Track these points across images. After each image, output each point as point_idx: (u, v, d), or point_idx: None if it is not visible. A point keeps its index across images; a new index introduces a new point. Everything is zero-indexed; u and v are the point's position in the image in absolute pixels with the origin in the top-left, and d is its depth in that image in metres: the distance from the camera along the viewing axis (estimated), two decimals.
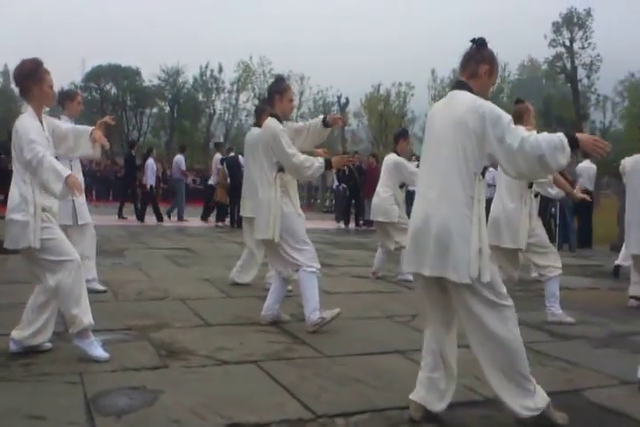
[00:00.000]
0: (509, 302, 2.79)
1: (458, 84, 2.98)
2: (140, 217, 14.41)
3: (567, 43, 40.09)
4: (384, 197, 6.94)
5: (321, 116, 4.90)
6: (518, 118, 4.96)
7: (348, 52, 67.75)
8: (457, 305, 2.84)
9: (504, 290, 2.80)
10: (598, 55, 41.01)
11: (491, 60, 2.97)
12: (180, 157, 15.66)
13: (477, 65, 2.94)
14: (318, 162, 4.53)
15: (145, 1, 70.61)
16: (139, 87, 44.54)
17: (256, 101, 43.79)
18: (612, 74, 41.86)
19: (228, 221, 14.26)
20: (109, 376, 3.35)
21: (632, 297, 6.04)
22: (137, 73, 44.64)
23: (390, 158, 7.05)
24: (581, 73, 41.28)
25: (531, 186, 4.90)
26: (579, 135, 2.76)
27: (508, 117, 2.74)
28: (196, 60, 48.48)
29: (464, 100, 2.83)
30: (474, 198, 2.74)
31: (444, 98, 3.02)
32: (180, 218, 15.13)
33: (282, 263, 4.64)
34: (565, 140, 2.69)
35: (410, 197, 5.83)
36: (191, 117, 44.83)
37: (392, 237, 6.96)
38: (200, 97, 45.08)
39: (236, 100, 45.10)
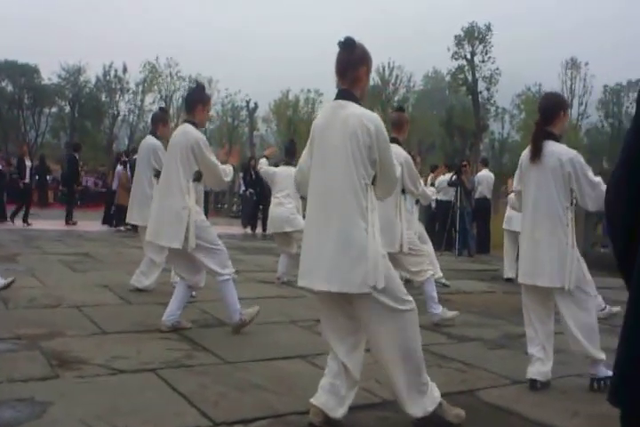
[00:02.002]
0: (410, 305, 2.81)
1: (343, 94, 2.91)
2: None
3: (468, 56, 41.85)
4: (287, 208, 6.95)
5: None
6: (399, 127, 5.15)
7: (258, 57, 67.68)
8: (358, 312, 2.85)
9: (404, 295, 2.81)
10: (497, 69, 43.03)
11: (367, 58, 2.93)
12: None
13: (356, 70, 2.89)
14: (229, 168, 4.66)
15: None
16: (37, 85, 42.56)
17: (162, 103, 42.93)
18: (509, 87, 44.03)
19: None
20: None
21: None
22: (35, 70, 42.66)
23: (288, 170, 7.12)
24: (482, 85, 43.15)
25: (403, 192, 5.04)
26: None
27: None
28: (98, 58, 46.87)
29: (355, 112, 2.82)
30: (367, 209, 2.77)
31: (329, 108, 2.97)
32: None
33: (187, 271, 4.57)
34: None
35: None
36: (93, 118, 43.29)
37: (294, 243, 7.00)
38: (103, 97, 43.65)
39: (142, 101, 44.06)
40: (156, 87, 44.02)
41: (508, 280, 8.39)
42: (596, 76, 44.74)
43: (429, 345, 3.47)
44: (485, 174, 12.23)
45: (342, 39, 2.91)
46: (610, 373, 3.60)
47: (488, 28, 42.36)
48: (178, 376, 3.49)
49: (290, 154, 7.56)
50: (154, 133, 6.27)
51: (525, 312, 3.85)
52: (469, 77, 42.10)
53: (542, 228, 3.66)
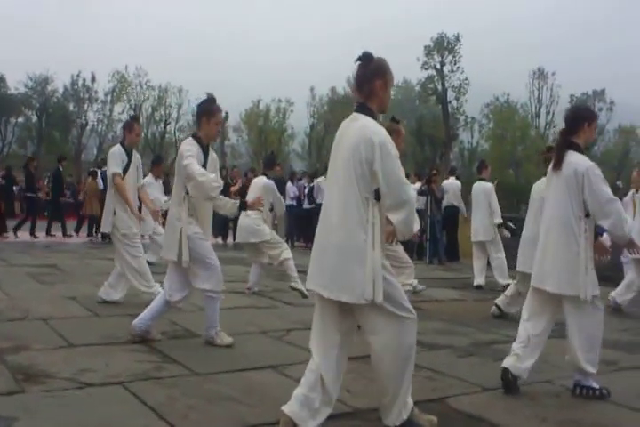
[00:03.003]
0: (411, 314, 2.87)
1: (358, 108, 2.98)
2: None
3: (438, 66, 42.36)
4: (253, 218, 6.93)
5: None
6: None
7: (228, 67, 67.61)
8: (359, 319, 2.89)
9: (406, 302, 2.88)
10: (466, 79, 43.61)
11: (382, 72, 2.97)
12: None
13: (371, 83, 2.94)
14: (214, 184, 4.31)
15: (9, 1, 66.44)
16: (3, 95, 41.82)
17: (132, 113, 42.57)
18: (478, 97, 44.61)
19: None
20: None
21: (496, 305, 6.39)
22: (1, 79, 41.96)
23: (261, 181, 7.12)
24: (451, 95, 43.68)
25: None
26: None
27: (396, 152, 2.83)
28: (66, 68, 46.34)
29: (364, 126, 2.86)
30: (369, 222, 2.79)
31: (346, 121, 3.02)
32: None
33: (175, 286, 4.52)
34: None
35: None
36: (61, 128, 42.64)
37: (264, 253, 6.98)
38: (71, 107, 43.08)
39: (111, 111, 43.56)
40: (125, 97, 43.61)
41: (478, 288, 8.48)
42: (562, 86, 45.58)
43: None
44: (452, 183, 12.38)
45: (360, 54, 2.97)
46: (595, 385, 3.66)
47: (457, 38, 42.95)
48: (146, 389, 3.44)
49: (267, 166, 7.56)
50: (121, 142, 6.18)
51: (524, 311, 3.91)
52: (439, 87, 42.61)
53: (553, 235, 3.73)
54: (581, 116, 3.89)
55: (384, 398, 2.94)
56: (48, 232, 14.08)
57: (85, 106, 43.08)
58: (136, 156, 6.10)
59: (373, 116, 2.93)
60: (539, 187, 5.77)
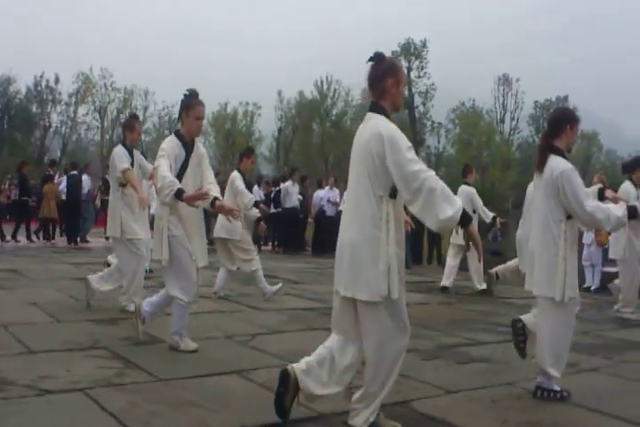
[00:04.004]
0: (405, 325, 2.98)
1: (372, 107, 3.03)
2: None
3: (405, 71, 42.70)
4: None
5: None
6: None
7: (195, 68, 67.34)
8: (360, 319, 2.96)
9: (405, 317, 2.98)
10: (433, 84, 44.20)
11: (394, 70, 3.02)
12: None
13: (383, 82, 2.99)
14: (172, 188, 4.06)
15: None
16: None
17: (96, 115, 42.06)
18: (445, 102, 45.18)
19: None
20: None
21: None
22: None
23: (231, 176, 7.08)
24: (418, 100, 44.17)
25: None
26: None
27: (407, 143, 2.82)
28: (29, 69, 45.56)
29: (374, 123, 2.91)
30: (382, 219, 2.82)
31: (363, 121, 3.06)
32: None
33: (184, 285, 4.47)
34: (459, 203, 2.77)
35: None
36: (24, 130, 41.88)
37: (234, 257, 6.93)
38: (34, 108, 42.33)
39: (75, 112, 42.96)
40: (89, 98, 43.02)
41: (444, 289, 8.55)
42: (526, 93, 46.41)
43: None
44: None
45: (372, 54, 3.02)
46: (556, 387, 3.71)
47: (424, 44, 43.47)
48: (108, 395, 3.39)
49: (239, 159, 7.49)
50: (123, 142, 6.07)
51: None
52: (406, 92, 42.96)
53: (536, 238, 3.80)
54: (563, 119, 3.91)
55: (362, 401, 2.97)
56: (14, 237, 13.82)
57: (49, 107, 42.42)
58: (138, 155, 5.99)
59: (386, 115, 2.98)
60: (530, 188, 5.87)
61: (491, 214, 8.62)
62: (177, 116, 4.69)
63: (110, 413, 3.12)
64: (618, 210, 3.73)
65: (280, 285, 7.13)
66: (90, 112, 43.01)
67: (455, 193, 6.37)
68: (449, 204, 2.73)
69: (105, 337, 4.74)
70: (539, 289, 3.75)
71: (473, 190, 8.52)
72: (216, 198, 4.24)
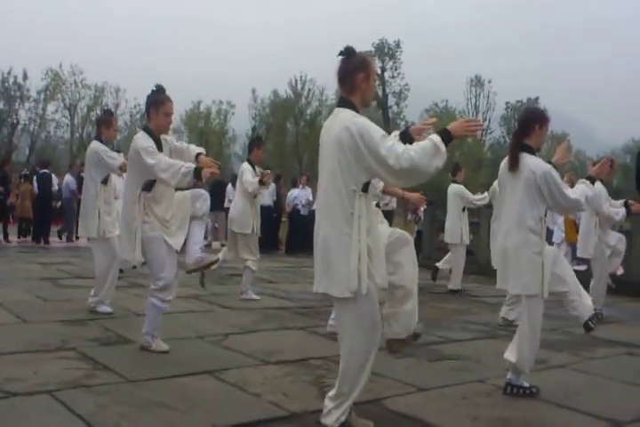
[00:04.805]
0: (377, 324, 3.00)
1: (340, 102, 3.02)
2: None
3: (379, 71, 42.87)
4: (236, 208, 6.93)
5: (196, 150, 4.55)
6: None
7: (168, 66, 66.81)
8: (335, 314, 3.03)
9: (378, 319, 3.00)
10: (406, 85, 44.37)
11: (364, 65, 2.99)
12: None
13: (353, 77, 2.96)
14: (185, 167, 4.14)
15: None
16: None
17: (66, 113, 41.43)
18: (418, 103, 45.43)
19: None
20: None
21: None
22: None
23: (241, 167, 7.08)
24: (391, 100, 44.33)
25: None
26: (450, 127, 2.89)
27: (379, 133, 2.80)
28: None
29: (342, 117, 2.90)
30: (354, 214, 2.81)
31: (330, 116, 3.04)
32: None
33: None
34: (439, 141, 2.80)
35: None
36: None
37: (237, 250, 6.87)
38: (1, 105, 41.49)
39: (44, 110, 42.15)
40: (59, 95, 42.33)
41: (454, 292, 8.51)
42: (498, 94, 46.86)
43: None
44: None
45: (342, 49, 2.99)
46: (526, 384, 3.75)
47: (397, 44, 43.66)
48: (76, 397, 3.33)
49: (248, 150, 7.51)
50: (98, 137, 5.96)
51: None
52: (380, 92, 43.14)
53: (513, 236, 3.80)
54: (533, 119, 3.97)
55: (335, 400, 2.96)
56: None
57: (17, 104, 41.60)
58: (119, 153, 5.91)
59: (356, 110, 2.95)
60: (495, 186, 5.92)
61: (483, 195, 8.59)
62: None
63: (79, 415, 3.06)
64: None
65: (258, 298, 7.02)
66: (59, 109, 42.32)
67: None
68: (431, 156, 2.77)
69: (73, 338, 4.66)
70: (523, 288, 3.76)
71: (462, 188, 8.59)
72: (200, 153, 4.43)
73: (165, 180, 4.17)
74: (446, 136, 2.84)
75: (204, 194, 4.56)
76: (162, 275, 4.31)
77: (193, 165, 4.19)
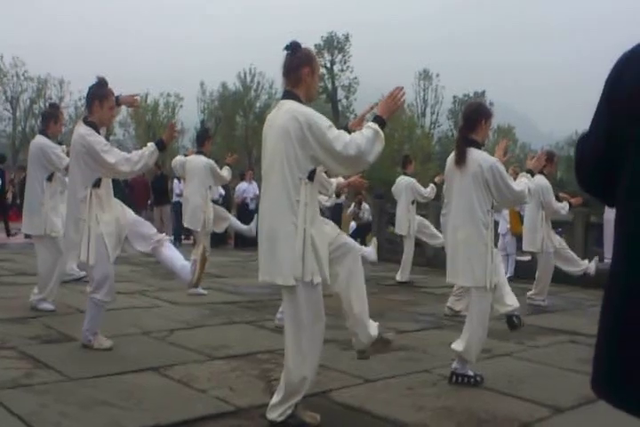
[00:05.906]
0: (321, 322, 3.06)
1: (285, 94, 3.05)
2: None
3: (328, 65, 42.91)
4: (197, 204, 6.95)
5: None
6: None
7: (115, 58, 65.40)
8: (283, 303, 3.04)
9: (322, 312, 3.05)
10: (355, 78, 44.50)
11: (309, 59, 3.05)
12: None
13: (298, 71, 3.00)
14: (148, 149, 4.29)
15: None
16: None
17: (8, 105, 40.14)
18: (367, 96, 45.64)
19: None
20: None
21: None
22: None
23: (199, 160, 7.01)
24: (341, 94, 44.43)
25: None
26: (379, 112, 3.02)
27: (326, 122, 2.86)
28: None
29: (288, 108, 2.92)
30: (300, 202, 2.84)
31: (274, 109, 3.07)
32: None
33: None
34: (377, 127, 2.92)
35: None
36: None
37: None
38: None
39: None
40: (0, 88, 40.93)
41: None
42: (445, 88, 47.49)
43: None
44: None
45: (288, 43, 3.04)
46: (470, 373, 3.82)
47: (347, 38, 43.74)
48: (15, 397, 3.23)
49: (200, 142, 7.35)
50: (43, 132, 5.74)
51: None
52: (329, 86, 43.19)
53: (463, 230, 3.85)
54: (478, 114, 4.04)
55: (279, 395, 2.97)
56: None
57: None
58: (61, 146, 5.74)
59: (301, 102, 2.98)
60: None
61: (431, 188, 8.72)
62: (85, 104, 4.53)
63: (18, 416, 2.98)
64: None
65: (205, 293, 6.91)
66: (0, 102, 40.96)
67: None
68: (373, 142, 2.90)
69: (13, 336, 4.52)
70: (475, 281, 3.81)
71: (413, 180, 8.69)
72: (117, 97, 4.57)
73: (128, 171, 4.22)
74: (381, 121, 2.98)
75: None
76: (106, 273, 4.23)
77: (152, 143, 4.31)
